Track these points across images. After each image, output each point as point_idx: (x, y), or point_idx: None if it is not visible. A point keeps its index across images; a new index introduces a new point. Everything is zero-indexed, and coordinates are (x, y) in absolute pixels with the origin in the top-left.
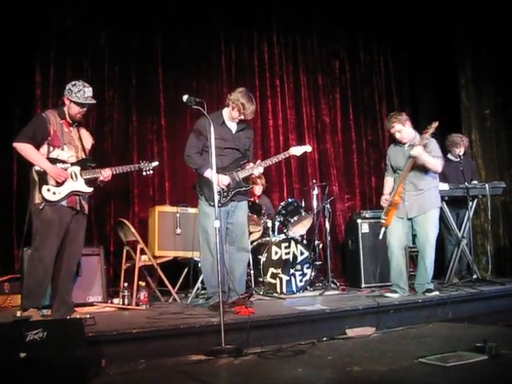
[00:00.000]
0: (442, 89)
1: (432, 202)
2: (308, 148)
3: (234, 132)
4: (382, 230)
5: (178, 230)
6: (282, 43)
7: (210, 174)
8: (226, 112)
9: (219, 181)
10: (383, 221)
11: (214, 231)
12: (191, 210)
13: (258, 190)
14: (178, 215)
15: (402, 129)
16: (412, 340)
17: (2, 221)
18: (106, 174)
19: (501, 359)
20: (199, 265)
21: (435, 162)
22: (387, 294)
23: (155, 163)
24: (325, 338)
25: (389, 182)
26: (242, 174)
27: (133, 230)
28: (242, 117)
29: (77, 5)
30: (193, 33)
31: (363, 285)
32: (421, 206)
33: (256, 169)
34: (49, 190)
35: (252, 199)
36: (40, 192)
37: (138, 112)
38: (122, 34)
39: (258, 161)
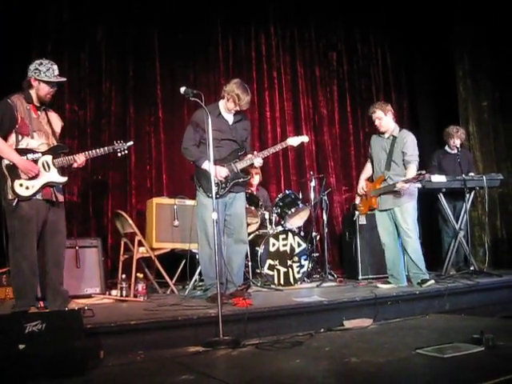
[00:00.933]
0: (440, 81)
1: (404, 197)
2: (305, 138)
3: (230, 123)
4: (357, 213)
5: (176, 222)
6: (280, 35)
7: (208, 165)
8: (222, 104)
9: (217, 172)
10: (359, 208)
11: (212, 223)
12: (189, 202)
13: (256, 179)
14: (175, 207)
15: (383, 117)
16: (409, 331)
17: None
18: (80, 160)
19: (498, 350)
20: (197, 256)
21: (412, 175)
22: (379, 285)
23: (130, 143)
24: (322, 330)
25: (368, 168)
26: (240, 165)
27: (130, 221)
28: (238, 108)
29: None
30: (190, 25)
31: (360, 276)
32: (395, 199)
33: (255, 159)
34: (21, 184)
35: (250, 191)
36: (12, 187)
37: (135, 104)
38: (120, 26)
39: (255, 152)
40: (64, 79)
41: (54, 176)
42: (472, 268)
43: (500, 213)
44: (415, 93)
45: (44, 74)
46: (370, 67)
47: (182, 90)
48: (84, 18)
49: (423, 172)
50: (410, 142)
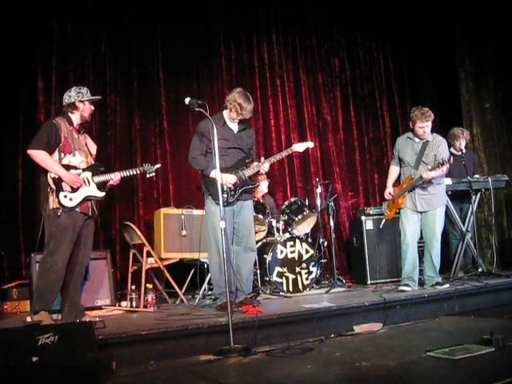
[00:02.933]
0: (442, 83)
1: (440, 200)
2: (310, 144)
3: (235, 132)
4: (383, 221)
5: (184, 232)
6: (282, 43)
7: (216, 174)
8: (226, 113)
9: (226, 180)
10: (386, 213)
11: (221, 231)
12: (196, 212)
13: (264, 185)
14: (183, 217)
15: (430, 126)
16: (419, 334)
17: (8, 227)
18: (116, 177)
19: (508, 351)
20: (205, 266)
21: (441, 173)
22: (402, 288)
23: (157, 165)
24: (332, 335)
25: (394, 171)
26: (247, 173)
27: (138, 232)
28: (241, 117)
29: (77, 11)
30: (192, 35)
31: (369, 281)
32: (430, 202)
33: (262, 165)
34: (66, 196)
35: (256, 199)
36: (58, 198)
37: (140, 116)
38: (122, 38)
39: (262, 158)
40: (100, 97)
41: (94, 190)
42: (480, 270)
43: (506, 214)
44: (418, 96)
45: (86, 95)
46: (373, 72)
47: (187, 100)
48: (87, 32)
49: (445, 158)
50: (443, 146)
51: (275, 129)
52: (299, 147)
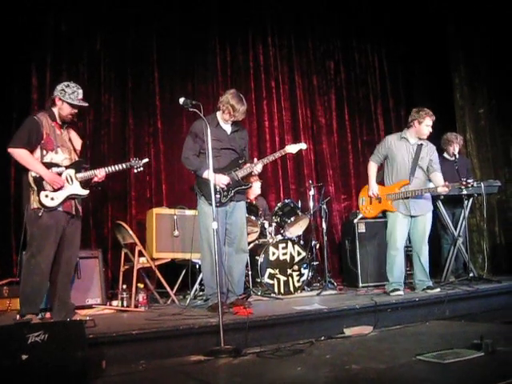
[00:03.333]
0: (437, 89)
1: (430, 204)
2: (303, 145)
3: (228, 133)
4: (360, 216)
5: (176, 232)
6: (277, 45)
7: (208, 174)
8: (219, 114)
9: (218, 180)
10: (366, 210)
11: (213, 232)
12: (189, 212)
13: (256, 186)
14: (175, 217)
15: None
16: (409, 338)
17: None
18: (100, 174)
19: (497, 356)
20: (197, 266)
21: (443, 182)
22: (397, 293)
23: (145, 160)
24: (323, 338)
25: (375, 168)
26: (240, 174)
27: (131, 232)
28: (234, 118)
29: (72, 9)
30: (188, 35)
31: (360, 284)
32: (423, 207)
33: (255, 166)
34: (47, 195)
35: (249, 200)
36: (38, 198)
37: (134, 115)
38: (118, 37)
39: (255, 159)
40: (86, 104)
41: (77, 189)
42: (471, 274)
43: (498, 219)
44: (412, 100)
45: (69, 96)
46: (368, 76)
47: (181, 100)
48: (82, 30)
49: (470, 181)
50: (436, 153)
51: (269, 130)
52: (292, 148)
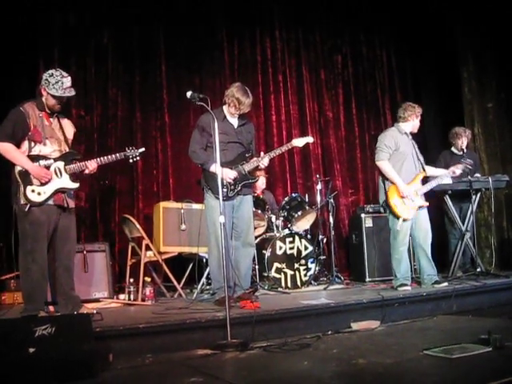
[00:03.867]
0: (445, 83)
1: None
2: (310, 139)
3: (235, 127)
4: (401, 221)
5: (183, 226)
6: (285, 39)
7: (216, 168)
8: (225, 108)
9: (226, 175)
10: (408, 213)
11: (220, 226)
12: (196, 206)
13: (261, 181)
14: (182, 211)
15: None
16: (417, 333)
17: (6, 218)
18: (91, 166)
19: (505, 351)
20: (204, 260)
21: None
22: (404, 289)
23: (142, 149)
24: (330, 332)
25: (391, 167)
26: (247, 167)
27: (138, 226)
28: (240, 111)
29: (79, 3)
30: (195, 29)
31: (367, 279)
32: (423, 198)
33: (262, 160)
34: (33, 190)
35: (256, 194)
36: (25, 193)
37: (141, 109)
38: (125, 31)
39: (262, 153)
40: (71, 94)
41: (66, 182)
42: (479, 269)
43: (506, 214)
44: (420, 94)
45: (52, 85)
46: (375, 70)
47: (189, 94)
48: (89, 23)
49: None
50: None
51: (276, 124)
52: (299, 142)
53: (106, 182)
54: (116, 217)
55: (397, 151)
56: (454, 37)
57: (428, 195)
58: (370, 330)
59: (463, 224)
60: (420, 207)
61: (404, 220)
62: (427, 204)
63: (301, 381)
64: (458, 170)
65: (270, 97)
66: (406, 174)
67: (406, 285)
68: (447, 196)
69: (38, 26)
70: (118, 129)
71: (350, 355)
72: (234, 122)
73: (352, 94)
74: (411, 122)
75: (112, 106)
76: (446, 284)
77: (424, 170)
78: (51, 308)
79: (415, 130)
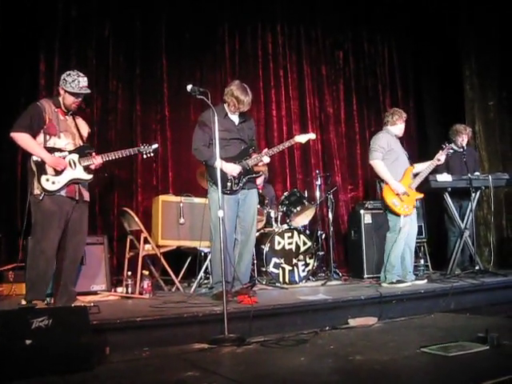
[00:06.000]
0: (446, 80)
1: None
2: (312, 135)
3: (236, 124)
4: (403, 217)
5: (182, 220)
6: (286, 33)
7: (220, 163)
8: (226, 106)
9: (231, 171)
10: (408, 208)
11: (226, 219)
12: (195, 200)
13: (259, 180)
14: (181, 205)
15: None
16: (414, 330)
17: (6, 211)
18: (96, 161)
19: (502, 349)
20: (202, 254)
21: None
22: (405, 285)
23: (155, 145)
24: (327, 328)
25: (385, 167)
26: (251, 162)
27: (136, 219)
28: (239, 110)
29: None
30: (197, 23)
31: (365, 275)
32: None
33: (264, 156)
34: (48, 179)
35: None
36: (39, 182)
37: (141, 102)
38: (127, 23)
39: (265, 149)
40: (88, 91)
41: (80, 173)
42: (477, 267)
43: (506, 212)
44: (421, 92)
45: (69, 84)
46: (377, 66)
47: (189, 87)
48: (91, 16)
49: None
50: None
51: (277, 119)
52: (301, 138)
53: (105, 174)
54: (115, 210)
55: (390, 151)
56: (456, 34)
57: (426, 192)
58: (367, 326)
59: (462, 222)
60: (417, 199)
61: (405, 215)
62: (422, 195)
63: (297, 376)
64: (442, 156)
65: (270, 92)
66: (398, 171)
67: (403, 281)
68: (447, 194)
69: (40, 17)
70: (117, 122)
71: (347, 351)
72: (235, 119)
73: (353, 89)
74: (399, 125)
75: (112, 98)
76: (425, 281)
77: (412, 164)
78: (52, 300)
79: (401, 134)
